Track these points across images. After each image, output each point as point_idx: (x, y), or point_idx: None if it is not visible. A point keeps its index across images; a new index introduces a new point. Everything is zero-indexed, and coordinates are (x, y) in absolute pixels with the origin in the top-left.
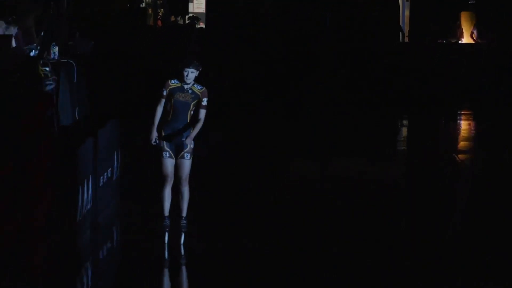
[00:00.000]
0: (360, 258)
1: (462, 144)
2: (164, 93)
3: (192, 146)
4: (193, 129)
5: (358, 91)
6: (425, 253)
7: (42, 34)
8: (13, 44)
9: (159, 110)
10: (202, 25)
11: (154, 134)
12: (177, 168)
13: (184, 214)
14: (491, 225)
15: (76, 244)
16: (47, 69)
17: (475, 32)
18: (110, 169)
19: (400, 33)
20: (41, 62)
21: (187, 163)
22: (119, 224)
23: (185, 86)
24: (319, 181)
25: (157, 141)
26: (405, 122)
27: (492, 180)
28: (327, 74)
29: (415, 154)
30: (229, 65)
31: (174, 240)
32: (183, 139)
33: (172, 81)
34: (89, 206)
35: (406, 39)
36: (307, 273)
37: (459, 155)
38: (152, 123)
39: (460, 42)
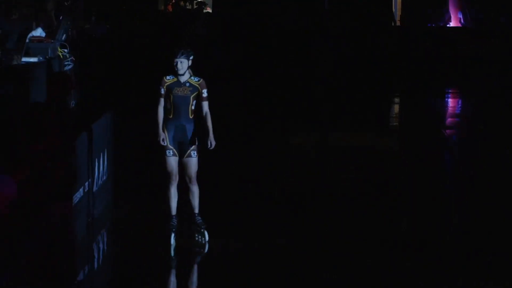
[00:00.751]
0: (359, 258)
1: (450, 119)
2: (162, 91)
3: (197, 143)
4: (208, 127)
5: (356, 76)
6: (425, 253)
7: (61, 18)
8: (34, 27)
9: (160, 110)
10: (209, 9)
11: (162, 135)
12: (185, 167)
13: (197, 210)
14: (491, 222)
15: (78, 243)
16: (66, 50)
17: (461, 16)
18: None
19: (392, 21)
20: (59, 44)
21: (194, 161)
22: (121, 224)
23: (182, 80)
24: (318, 175)
25: (165, 142)
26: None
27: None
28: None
29: (409, 131)
30: (230, 65)
31: (192, 239)
32: (186, 135)
33: (168, 77)
34: (104, 177)
35: (398, 23)
36: (307, 271)
37: (447, 130)
38: (157, 125)
39: (447, 25)
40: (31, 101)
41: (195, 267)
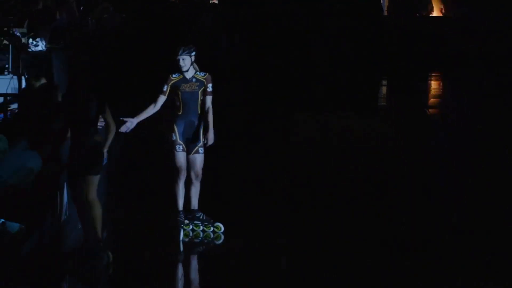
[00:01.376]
0: (359, 258)
1: (432, 100)
2: (165, 88)
3: (203, 140)
4: (208, 123)
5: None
6: (425, 253)
7: (81, 8)
8: (57, 17)
9: (151, 107)
10: (215, 0)
11: (133, 122)
12: (192, 163)
13: (197, 207)
14: (491, 221)
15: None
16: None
17: (442, 7)
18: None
19: (380, 12)
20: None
21: (202, 158)
22: (123, 221)
23: (188, 76)
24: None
25: (127, 130)
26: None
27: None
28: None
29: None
30: (231, 64)
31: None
32: (195, 131)
33: (174, 75)
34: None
35: (386, 13)
36: (307, 271)
37: (430, 110)
38: (138, 115)
39: (430, 15)
40: (54, 84)
41: (200, 264)
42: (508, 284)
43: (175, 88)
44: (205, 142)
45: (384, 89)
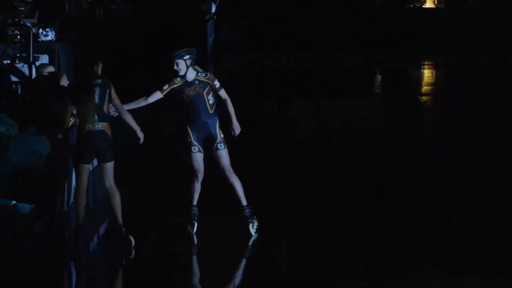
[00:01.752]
0: (359, 258)
1: (425, 88)
2: (165, 87)
3: (222, 135)
4: (229, 113)
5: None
6: (425, 253)
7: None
8: (66, 7)
9: (143, 98)
10: None
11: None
12: (216, 161)
13: (245, 202)
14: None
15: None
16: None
17: None
18: None
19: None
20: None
21: (224, 153)
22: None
23: (189, 79)
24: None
25: (113, 115)
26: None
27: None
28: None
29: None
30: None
31: (245, 230)
32: (210, 130)
33: (178, 79)
34: None
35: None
36: (307, 271)
37: (423, 97)
38: (128, 103)
39: (423, 6)
40: (61, 72)
41: (202, 262)
42: (508, 284)
43: (178, 93)
44: (233, 133)
45: (379, 78)
